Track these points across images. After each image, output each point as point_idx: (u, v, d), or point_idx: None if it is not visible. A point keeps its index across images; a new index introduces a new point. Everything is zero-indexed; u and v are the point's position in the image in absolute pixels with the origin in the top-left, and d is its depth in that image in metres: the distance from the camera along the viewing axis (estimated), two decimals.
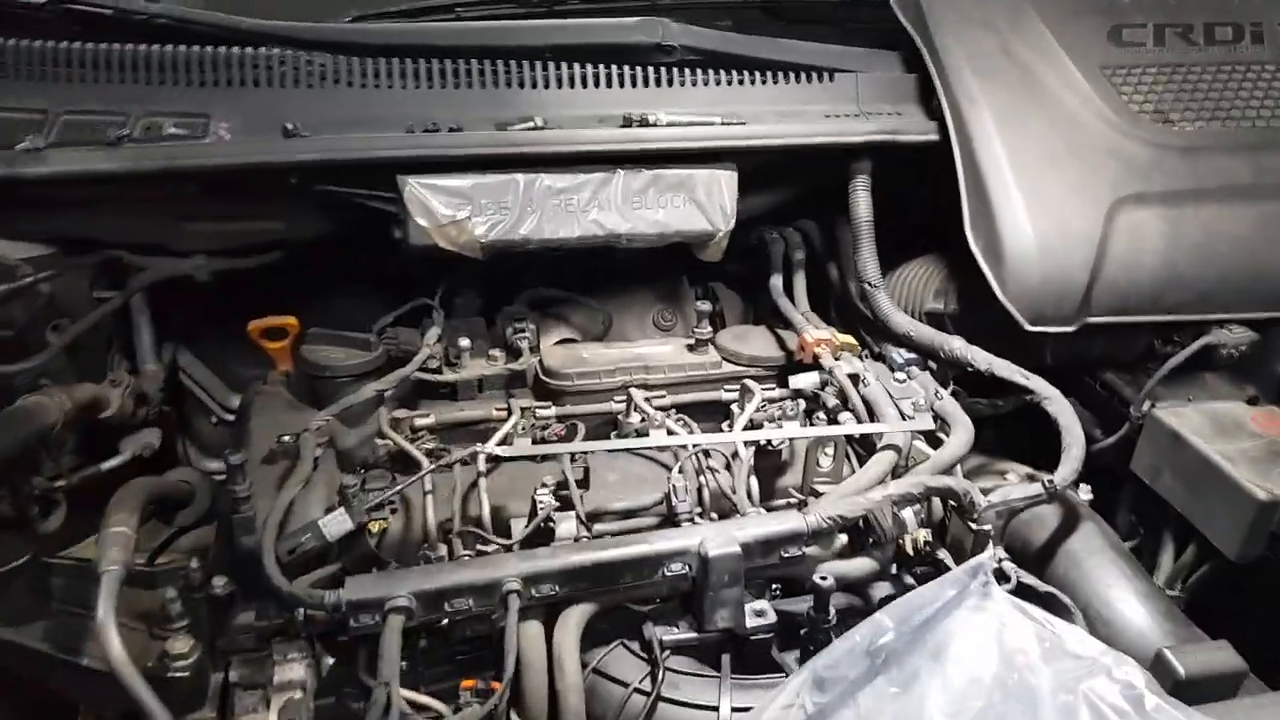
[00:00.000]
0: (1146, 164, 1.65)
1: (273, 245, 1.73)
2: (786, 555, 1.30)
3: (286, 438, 1.43)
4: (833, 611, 1.28)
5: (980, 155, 1.65)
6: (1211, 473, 1.44)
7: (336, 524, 1.28)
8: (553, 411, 1.59)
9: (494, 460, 1.42)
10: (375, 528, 1.34)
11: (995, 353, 1.59)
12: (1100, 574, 1.39)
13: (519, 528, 1.37)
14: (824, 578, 1.28)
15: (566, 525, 1.36)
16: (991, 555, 1.23)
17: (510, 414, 1.54)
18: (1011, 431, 1.71)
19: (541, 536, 1.34)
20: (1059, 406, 1.47)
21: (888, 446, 1.47)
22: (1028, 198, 1.60)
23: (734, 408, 1.64)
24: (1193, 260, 1.60)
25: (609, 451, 1.48)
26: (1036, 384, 1.51)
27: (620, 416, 1.61)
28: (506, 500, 1.42)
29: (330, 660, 1.30)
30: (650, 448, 1.48)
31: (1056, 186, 1.62)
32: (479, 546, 1.32)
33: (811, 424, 1.56)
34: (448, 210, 1.57)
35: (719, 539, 1.25)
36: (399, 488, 1.35)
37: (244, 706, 1.23)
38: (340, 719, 1.28)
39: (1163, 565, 1.57)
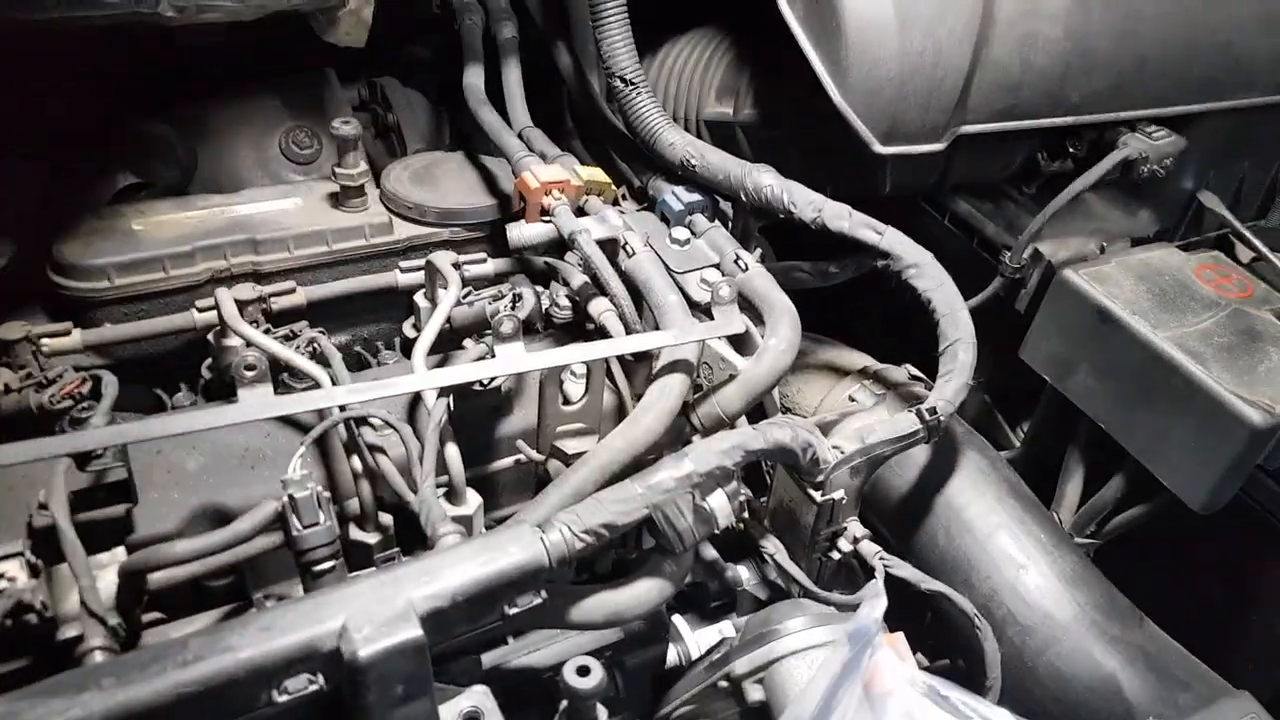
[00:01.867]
0: None
1: None
2: (514, 610, 0.70)
3: None
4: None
5: None
6: (1173, 381, 0.94)
7: None
8: (75, 340, 0.87)
9: None
10: None
11: (811, 179, 1.01)
12: (1005, 546, 0.92)
13: None
14: (583, 669, 0.69)
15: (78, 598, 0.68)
16: (878, 617, 0.68)
17: None
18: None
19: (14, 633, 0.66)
20: (933, 280, 0.93)
21: (674, 364, 0.86)
22: None
23: (419, 300, 0.99)
24: (1105, 31, 1.04)
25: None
26: (895, 243, 0.95)
27: (211, 337, 0.91)
28: None
29: None
30: (247, 421, 0.78)
31: None
32: None
33: (548, 318, 0.94)
34: None
35: (381, 617, 0.62)
36: None
37: None
38: None
39: (1066, 498, 1.10)
